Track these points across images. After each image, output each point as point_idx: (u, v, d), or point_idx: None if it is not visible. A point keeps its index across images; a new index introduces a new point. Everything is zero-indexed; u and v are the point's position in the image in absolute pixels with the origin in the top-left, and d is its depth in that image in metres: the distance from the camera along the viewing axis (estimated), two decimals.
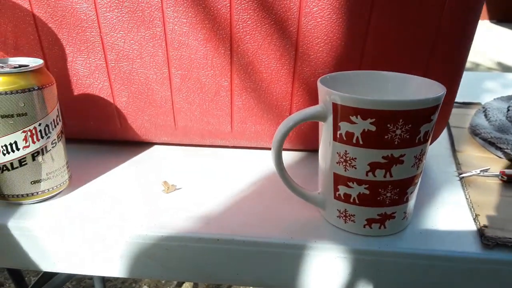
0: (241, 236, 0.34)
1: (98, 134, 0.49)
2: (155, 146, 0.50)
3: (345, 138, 0.31)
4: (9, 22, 0.42)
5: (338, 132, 0.31)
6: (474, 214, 0.36)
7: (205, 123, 0.46)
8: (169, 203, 0.38)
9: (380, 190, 0.32)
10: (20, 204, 0.37)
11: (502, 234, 0.33)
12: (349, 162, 0.31)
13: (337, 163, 0.32)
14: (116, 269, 0.36)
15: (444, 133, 0.55)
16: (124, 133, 0.48)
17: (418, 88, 0.35)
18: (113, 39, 0.42)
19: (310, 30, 0.40)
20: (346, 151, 0.31)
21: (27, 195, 0.36)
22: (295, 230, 0.34)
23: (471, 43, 0.41)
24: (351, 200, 0.33)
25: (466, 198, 0.39)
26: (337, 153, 0.32)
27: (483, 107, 0.56)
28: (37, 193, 0.36)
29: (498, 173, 0.42)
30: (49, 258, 0.36)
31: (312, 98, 0.43)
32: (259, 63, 0.42)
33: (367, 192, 0.32)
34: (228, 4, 0.39)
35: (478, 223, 0.35)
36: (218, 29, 0.41)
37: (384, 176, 0.31)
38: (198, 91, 0.44)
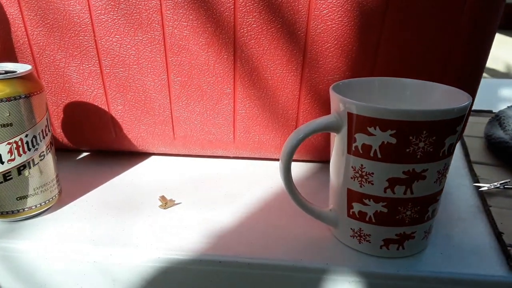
0: (246, 257, 0.31)
1: (92, 144, 0.46)
2: (152, 157, 0.47)
3: (361, 151, 0.28)
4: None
5: (354, 145, 0.28)
6: (498, 232, 0.33)
7: (206, 132, 0.43)
8: (167, 220, 0.35)
9: (399, 208, 0.29)
10: (5, 222, 0.34)
11: None
12: (365, 177, 0.28)
13: (351, 178, 0.29)
14: None
15: None
16: (119, 143, 0.45)
17: (440, 97, 0.32)
18: (108, 43, 0.39)
19: (319, 34, 0.37)
20: (362, 165, 0.28)
21: (13, 212, 0.33)
22: (304, 250, 0.32)
23: (490, 49, 0.39)
24: (367, 219, 0.30)
25: (487, 214, 0.36)
26: (352, 167, 0.29)
27: (497, 116, 0.54)
28: (24, 209, 0.33)
29: None
30: (36, 282, 0.33)
31: (321, 106, 0.41)
32: (264, 69, 0.39)
33: (385, 210, 0.29)
34: (232, 6, 0.37)
35: (502, 242, 0.32)
36: (221, 33, 0.38)
37: (404, 193, 0.28)
38: (198, 99, 0.41)
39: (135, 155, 0.47)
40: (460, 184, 0.42)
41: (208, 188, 0.41)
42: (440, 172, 0.28)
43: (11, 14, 0.39)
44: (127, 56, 0.40)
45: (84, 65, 0.41)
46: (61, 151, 0.47)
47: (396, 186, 0.28)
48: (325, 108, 0.41)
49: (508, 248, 0.31)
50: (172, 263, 0.31)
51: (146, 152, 0.47)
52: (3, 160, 0.31)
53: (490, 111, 0.61)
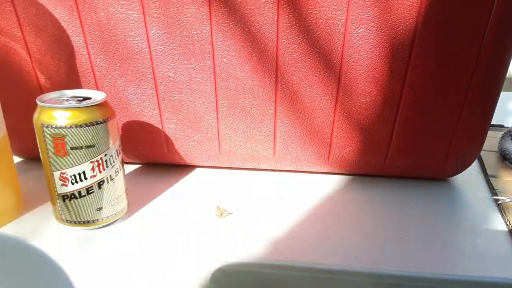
0: (301, 262, 0.35)
1: (146, 158, 0.51)
2: (197, 169, 0.52)
3: None
4: (63, 53, 0.45)
5: None
6: None
7: (249, 148, 0.48)
8: (226, 228, 0.40)
9: None
10: (84, 230, 0.39)
11: None
12: None
13: None
14: None
15: None
16: (170, 157, 0.50)
17: None
18: (164, 70, 0.44)
19: (352, 63, 0.42)
20: None
21: (92, 221, 0.38)
22: (354, 256, 0.36)
23: (508, 67, 0.43)
24: None
25: (507, 224, 0.41)
26: None
27: (509, 131, 0.58)
28: (101, 219, 0.38)
29: None
30: (108, 281, 0.38)
31: (353, 126, 0.45)
32: (302, 93, 0.44)
33: None
34: (275, 38, 0.42)
35: None
36: (265, 62, 0.43)
37: None
38: (243, 118, 0.46)
39: (182, 168, 0.52)
40: (480, 197, 0.46)
41: (254, 198, 0.45)
42: None
43: (76, 43, 0.44)
44: (180, 81, 0.45)
45: (141, 89, 0.46)
46: None
47: None
48: (357, 128, 0.45)
49: None
50: (236, 266, 0.36)
51: (192, 165, 0.52)
52: (87, 176, 0.36)
53: (502, 126, 0.66)
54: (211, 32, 0.42)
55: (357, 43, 0.41)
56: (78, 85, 0.46)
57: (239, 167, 0.51)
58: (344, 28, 0.40)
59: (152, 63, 0.44)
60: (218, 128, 0.47)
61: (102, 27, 0.42)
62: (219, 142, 0.48)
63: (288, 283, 0.35)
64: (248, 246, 0.37)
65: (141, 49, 0.43)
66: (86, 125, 0.35)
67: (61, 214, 0.38)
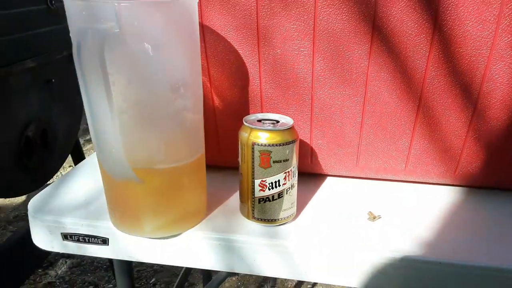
0: (465, 261, 0.43)
1: None
2: (329, 178, 0.60)
3: None
4: (239, 80, 0.53)
5: None
6: None
7: (383, 162, 0.56)
8: (383, 229, 0.48)
9: None
10: (270, 226, 0.48)
11: None
12: None
13: None
14: (355, 280, 0.46)
15: None
16: (312, 167, 0.58)
17: None
18: (322, 95, 0.53)
19: (489, 92, 0.49)
20: None
21: (276, 220, 0.47)
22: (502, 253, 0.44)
23: None
24: None
25: None
26: None
27: None
28: (283, 218, 0.47)
29: None
30: (293, 266, 0.47)
31: (482, 147, 0.53)
32: (440, 116, 0.52)
33: None
34: (423, 71, 0.49)
35: None
36: (412, 90, 0.51)
37: None
38: (383, 137, 0.54)
39: (317, 176, 0.60)
40: None
41: (395, 204, 0.53)
42: None
43: (252, 73, 0.53)
44: (333, 105, 0.53)
45: (299, 111, 0.54)
46: None
47: None
48: (487, 147, 0.52)
49: None
50: (402, 261, 0.44)
51: (327, 174, 0.60)
52: (280, 184, 0.45)
53: None
54: (368, 65, 0.50)
55: (495, 76, 0.48)
56: (246, 107, 0.55)
57: (370, 177, 0.59)
58: (485, 64, 0.48)
59: (312, 90, 0.53)
60: (359, 145, 0.55)
61: (276, 60, 0.51)
62: (357, 156, 0.56)
63: (448, 280, 0.43)
64: (408, 244, 0.45)
65: (305, 78, 0.52)
66: (286, 144, 0.44)
67: (253, 213, 0.47)
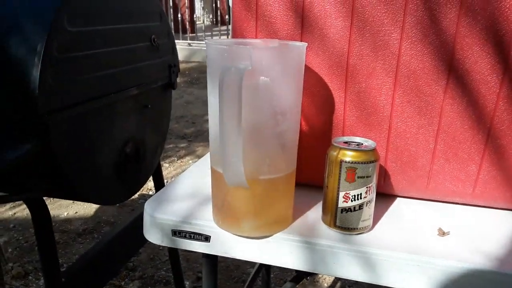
0: None
1: None
2: (399, 199, 0.67)
3: None
4: (325, 109, 0.63)
5: None
6: None
7: (452, 185, 0.62)
8: (452, 243, 0.54)
9: None
10: (349, 234, 0.55)
11: None
12: None
13: None
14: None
15: None
16: (384, 188, 0.66)
17: None
18: (398, 124, 0.60)
19: None
20: None
21: (355, 229, 0.54)
22: None
23: None
24: None
25: None
26: None
27: None
28: (361, 228, 0.55)
29: None
30: (371, 270, 0.53)
31: None
32: (508, 145, 0.57)
33: None
34: (494, 105, 0.56)
35: None
36: (482, 120, 0.57)
37: None
38: (453, 162, 0.60)
39: (390, 197, 0.67)
40: None
41: (461, 223, 0.59)
42: None
43: (337, 103, 0.62)
44: (408, 132, 0.61)
45: (377, 136, 0.62)
46: None
47: None
48: None
49: None
50: (471, 272, 0.49)
51: (396, 195, 0.67)
52: (362, 197, 0.53)
53: None
54: (443, 99, 0.57)
55: None
56: (329, 132, 0.64)
57: (438, 199, 0.65)
58: None
59: (390, 119, 0.61)
60: (430, 169, 0.62)
61: (360, 93, 0.60)
62: (428, 179, 0.63)
63: None
64: (478, 257, 0.51)
65: (384, 108, 0.60)
66: (370, 162, 0.52)
67: (335, 221, 0.55)
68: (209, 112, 0.54)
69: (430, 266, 0.51)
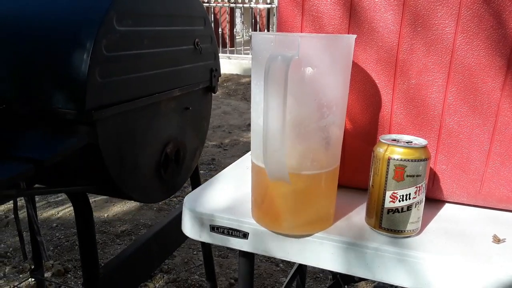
0: None
1: None
2: (447, 204, 0.63)
3: None
4: (371, 106, 0.61)
5: None
6: None
7: (508, 191, 0.58)
8: (508, 251, 0.50)
9: None
10: (396, 237, 0.52)
11: None
12: None
13: None
14: None
15: None
16: (433, 192, 0.62)
17: None
18: (450, 123, 0.57)
19: None
20: None
21: (403, 231, 0.51)
22: None
23: None
24: None
25: None
26: None
27: None
28: (409, 231, 0.52)
29: None
30: (419, 276, 0.50)
31: None
32: None
33: None
34: None
35: None
36: None
37: None
38: (510, 165, 0.56)
39: (439, 202, 0.63)
40: None
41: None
42: None
43: (384, 101, 0.60)
44: (461, 133, 0.57)
45: (426, 136, 0.59)
46: None
47: None
48: None
49: None
50: None
51: (445, 200, 0.63)
52: (410, 197, 0.50)
53: None
54: (501, 97, 0.54)
55: None
56: (375, 130, 0.61)
57: (491, 206, 0.60)
58: None
59: (441, 117, 0.57)
60: (484, 172, 0.58)
61: (410, 90, 0.57)
62: (481, 183, 0.59)
63: None
64: None
65: (435, 106, 0.57)
66: (421, 160, 0.49)
67: (380, 222, 0.52)
68: (251, 105, 0.53)
69: (487, 274, 0.47)
